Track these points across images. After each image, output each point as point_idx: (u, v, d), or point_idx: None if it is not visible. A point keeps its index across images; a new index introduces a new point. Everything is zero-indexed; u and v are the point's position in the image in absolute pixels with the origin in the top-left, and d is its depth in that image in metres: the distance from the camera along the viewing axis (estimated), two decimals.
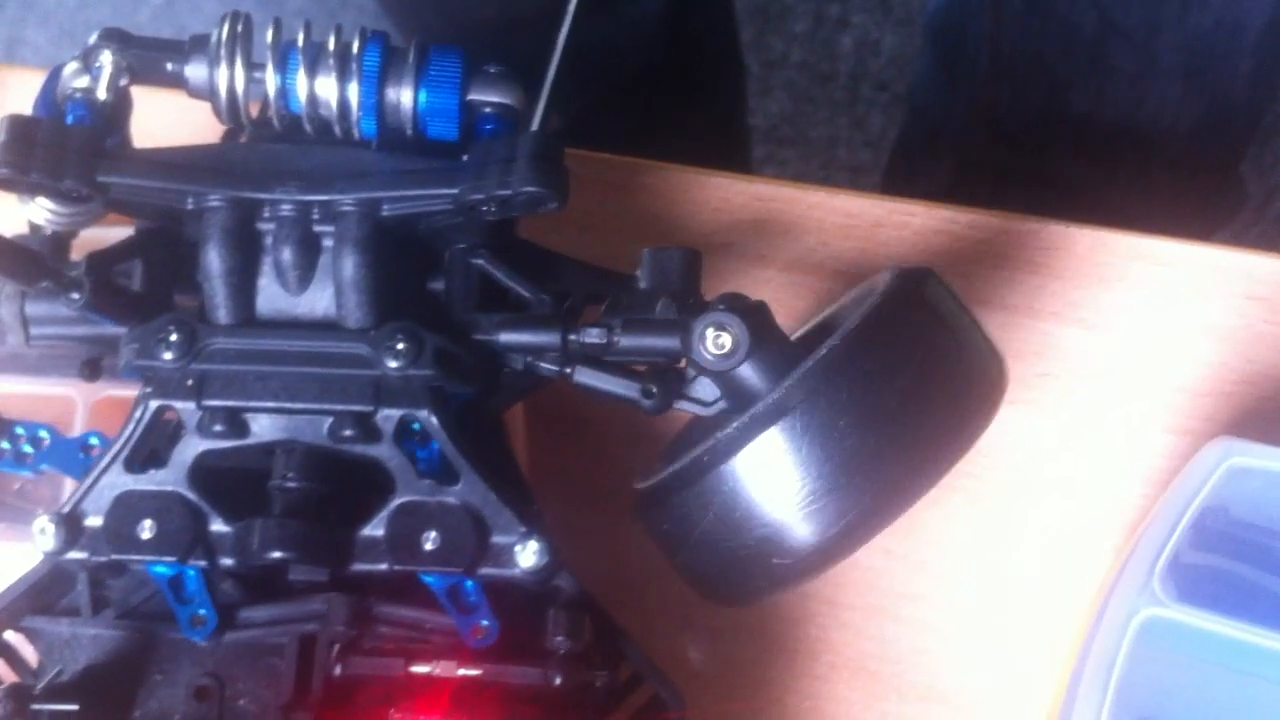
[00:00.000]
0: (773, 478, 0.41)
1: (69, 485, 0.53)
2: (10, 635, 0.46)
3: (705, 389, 0.45)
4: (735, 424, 0.42)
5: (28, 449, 0.48)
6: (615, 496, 0.56)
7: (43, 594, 0.45)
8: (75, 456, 0.48)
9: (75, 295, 0.43)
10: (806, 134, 1.45)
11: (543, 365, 0.45)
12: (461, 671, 0.43)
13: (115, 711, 0.44)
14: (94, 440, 0.48)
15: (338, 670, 0.43)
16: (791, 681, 0.55)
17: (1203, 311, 0.58)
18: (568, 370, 0.45)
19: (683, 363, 0.45)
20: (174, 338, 0.43)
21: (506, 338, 0.45)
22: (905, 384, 0.42)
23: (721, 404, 0.44)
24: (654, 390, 0.44)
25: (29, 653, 0.46)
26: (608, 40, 1.03)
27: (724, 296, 0.45)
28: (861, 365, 0.42)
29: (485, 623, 0.43)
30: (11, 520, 0.56)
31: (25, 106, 0.62)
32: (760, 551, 0.42)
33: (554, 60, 0.46)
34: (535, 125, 0.46)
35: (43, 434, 0.48)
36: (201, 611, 0.43)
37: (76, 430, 0.54)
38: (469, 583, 0.43)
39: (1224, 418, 0.57)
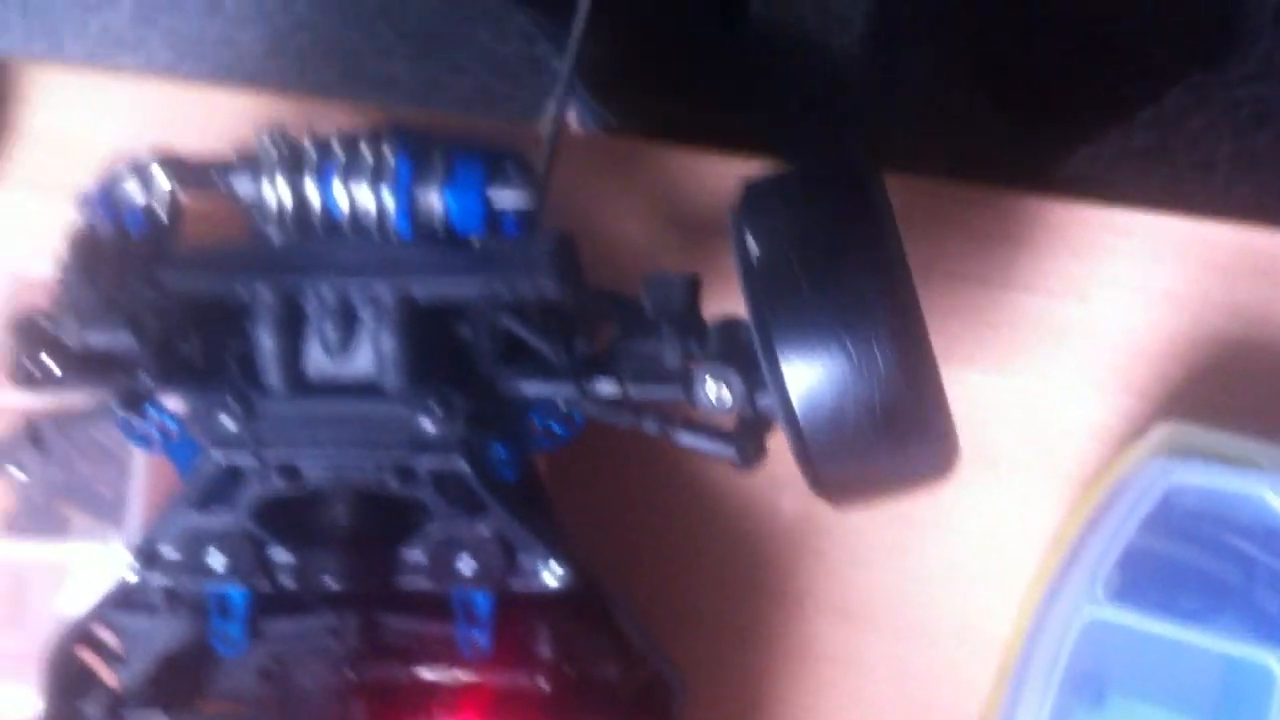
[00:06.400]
0: (818, 364, 0.44)
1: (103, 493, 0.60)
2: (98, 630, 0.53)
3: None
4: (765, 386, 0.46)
5: (155, 433, 0.53)
6: (619, 489, 0.62)
7: (124, 593, 0.52)
8: (190, 458, 0.52)
9: (146, 377, 0.49)
10: None
11: (646, 426, 0.51)
12: (460, 676, 0.50)
13: (190, 692, 0.52)
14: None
15: (351, 675, 0.50)
16: (780, 625, 0.62)
17: (1162, 279, 0.63)
18: (671, 431, 0.51)
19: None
20: (234, 405, 0.48)
21: (528, 389, 0.50)
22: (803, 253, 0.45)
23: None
24: (749, 451, 0.50)
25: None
26: None
27: (717, 327, 0.50)
28: (770, 255, 0.45)
29: (481, 637, 0.50)
30: (43, 525, 0.62)
31: (57, 108, 0.67)
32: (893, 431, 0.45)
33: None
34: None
35: (173, 425, 0.52)
36: (234, 631, 0.51)
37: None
38: (483, 602, 0.50)
39: (1178, 378, 0.62)
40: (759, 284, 0.46)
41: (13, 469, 0.53)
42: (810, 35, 1.43)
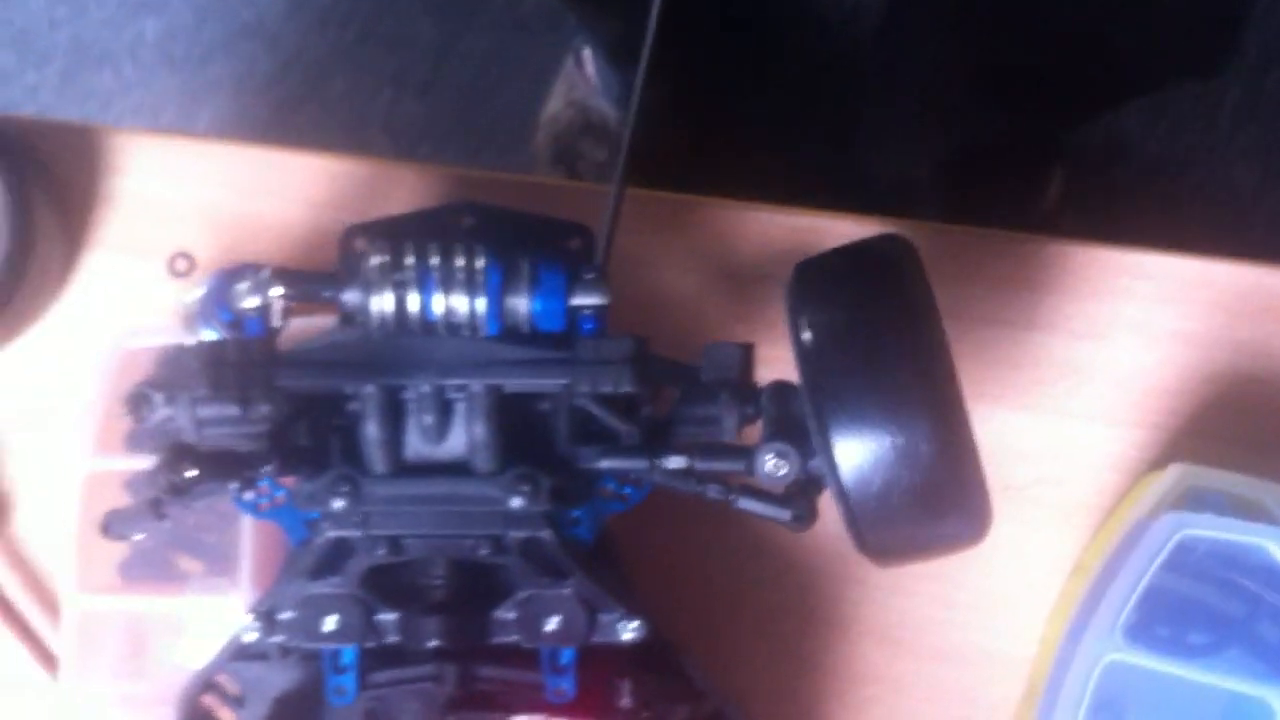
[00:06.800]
0: (867, 450, 0.49)
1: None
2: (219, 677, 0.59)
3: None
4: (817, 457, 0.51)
5: (264, 501, 0.58)
6: (670, 522, 0.68)
7: (243, 646, 0.58)
8: (299, 524, 0.58)
9: (266, 468, 0.54)
10: None
11: (710, 494, 0.56)
12: None
13: None
14: (315, 516, 0.57)
15: None
16: (828, 647, 0.68)
17: (1173, 318, 0.68)
18: (732, 498, 0.56)
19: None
20: (343, 489, 0.54)
21: (604, 465, 0.56)
22: (851, 329, 0.50)
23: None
24: (804, 514, 0.55)
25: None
26: None
27: (770, 392, 0.55)
28: (822, 346, 0.50)
29: (566, 687, 0.56)
30: (153, 572, 0.68)
31: (143, 174, 0.72)
32: (931, 500, 0.50)
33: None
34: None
35: (280, 494, 0.58)
36: (346, 683, 0.56)
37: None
38: (566, 652, 0.56)
39: (1188, 412, 0.68)
40: (812, 371, 0.51)
41: (136, 536, 0.59)
42: (815, 30, 1.48)
